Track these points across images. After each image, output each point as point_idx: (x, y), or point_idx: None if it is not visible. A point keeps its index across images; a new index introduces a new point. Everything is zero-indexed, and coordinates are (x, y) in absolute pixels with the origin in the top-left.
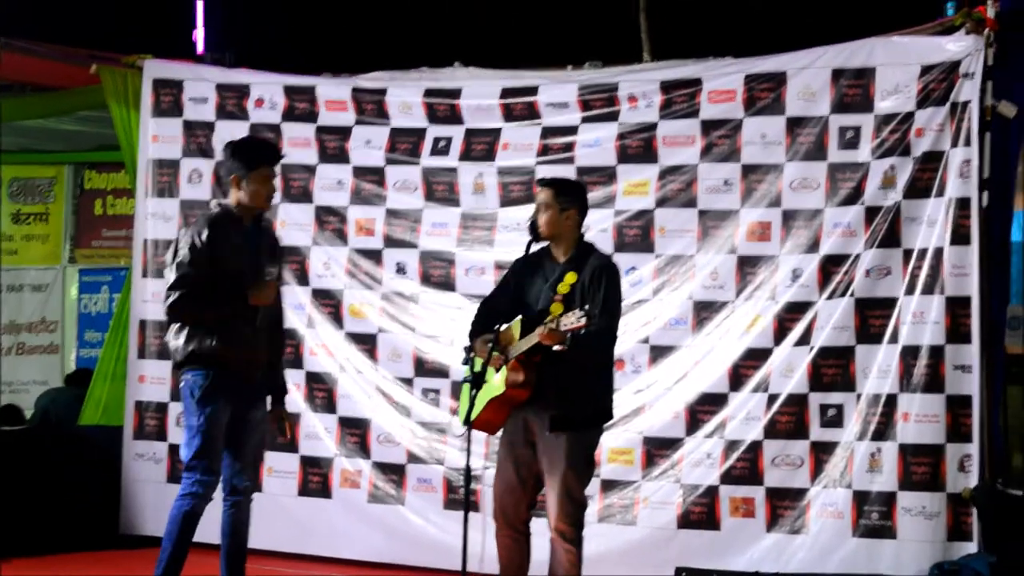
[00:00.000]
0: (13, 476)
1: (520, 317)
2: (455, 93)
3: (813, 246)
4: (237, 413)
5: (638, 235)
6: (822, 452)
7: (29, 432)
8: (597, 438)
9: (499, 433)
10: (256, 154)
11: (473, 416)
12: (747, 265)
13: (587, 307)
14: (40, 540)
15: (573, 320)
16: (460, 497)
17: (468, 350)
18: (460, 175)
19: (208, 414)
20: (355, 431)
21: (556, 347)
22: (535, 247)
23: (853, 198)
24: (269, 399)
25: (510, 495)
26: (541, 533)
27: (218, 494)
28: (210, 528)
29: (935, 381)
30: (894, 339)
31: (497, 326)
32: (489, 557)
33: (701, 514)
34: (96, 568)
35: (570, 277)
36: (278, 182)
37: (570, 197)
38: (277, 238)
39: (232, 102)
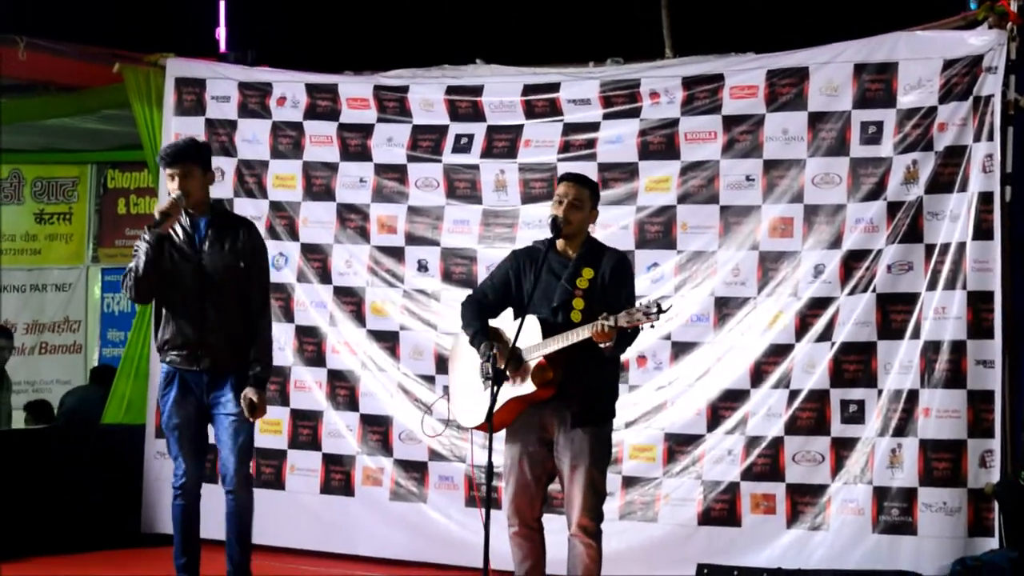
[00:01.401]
0: (36, 475)
1: (529, 315)
2: (477, 90)
3: (835, 242)
4: (207, 404)
5: (660, 231)
6: (843, 448)
7: (54, 431)
8: (612, 430)
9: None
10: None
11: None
12: (769, 261)
13: (657, 300)
14: (62, 538)
15: (640, 316)
16: (482, 494)
17: (489, 347)
18: (482, 172)
19: (164, 415)
20: (377, 429)
21: (604, 344)
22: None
23: (875, 193)
24: None
25: (523, 493)
26: (553, 531)
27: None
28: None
29: (957, 376)
30: (916, 334)
31: (519, 321)
32: (508, 554)
33: (722, 511)
34: (117, 567)
35: (588, 272)
36: (299, 180)
37: (597, 197)
38: (239, 228)
39: (254, 100)
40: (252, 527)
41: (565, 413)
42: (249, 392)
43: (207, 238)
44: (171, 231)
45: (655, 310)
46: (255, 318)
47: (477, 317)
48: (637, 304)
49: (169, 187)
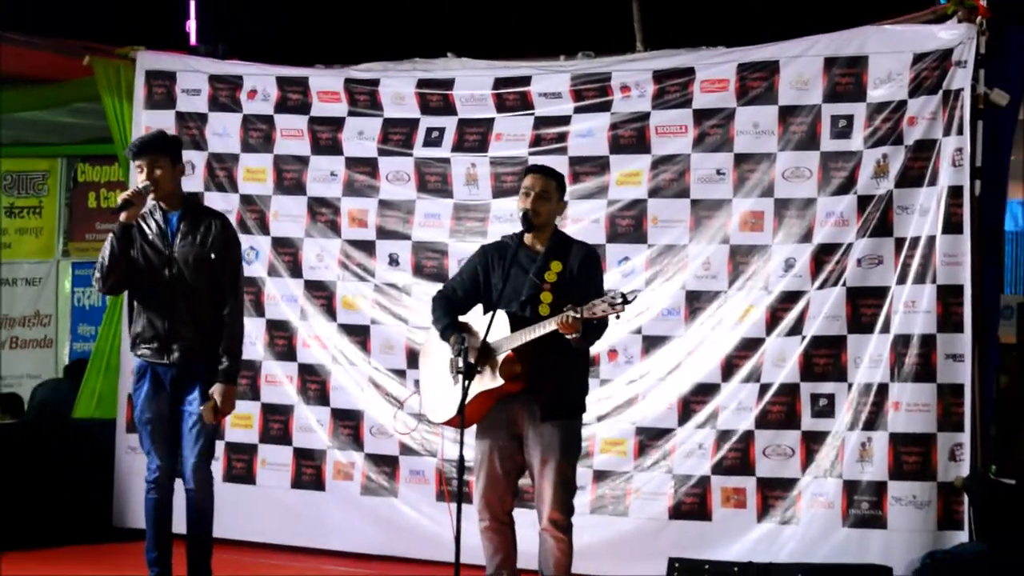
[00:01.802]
0: (8, 469)
1: (498, 310)
2: (448, 84)
3: (806, 236)
4: (176, 402)
5: (631, 225)
6: (813, 442)
7: (24, 425)
8: (581, 425)
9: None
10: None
11: (458, 410)
12: (740, 255)
13: (622, 291)
14: (34, 534)
15: (605, 307)
16: (453, 489)
17: (461, 341)
18: (453, 166)
19: (137, 409)
20: (348, 423)
21: (570, 336)
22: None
23: (845, 187)
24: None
25: (494, 488)
26: (525, 525)
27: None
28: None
29: (926, 370)
30: (886, 328)
31: (490, 316)
32: (479, 549)
33: (692, 504)
34: (89, 561)
35: (556, 266)
36: (270, 174)
37: (564, 188)
38: (211, 221)
39: (225, 93)
40: (212, 526)
41: (534, 407)
42: (215, 391)
43: (179, 231)
44: (142, 224)
45: (620, 300)
46: (229, 311)
47: (447, 312)
48: (609, 295)
49: (138, 180)
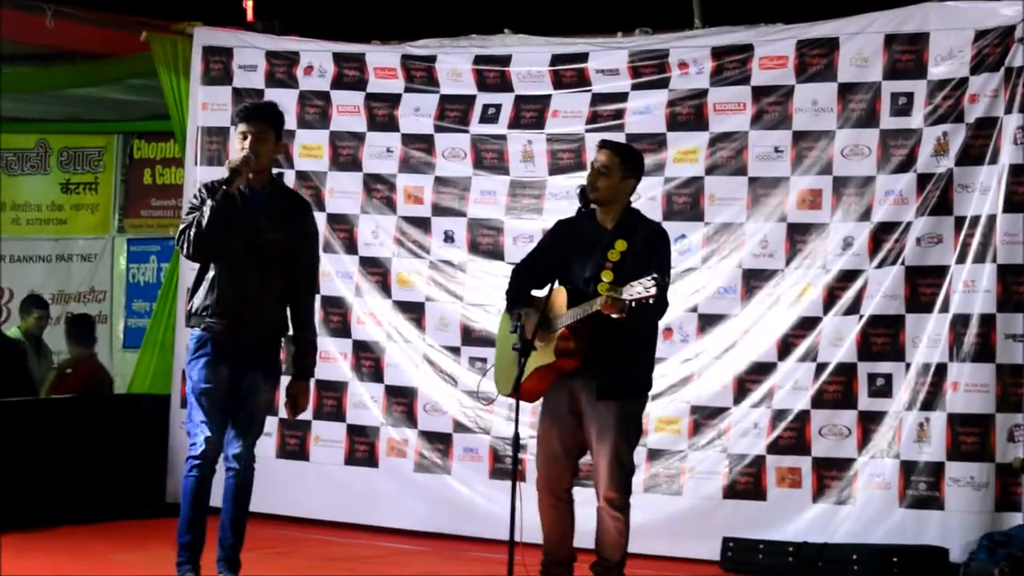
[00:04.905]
0: (62, 445)
1: (558, 285)
2: (505, 60)
3: (865, 214)
4: (233, 379)
5: (688, 203)
6: (870, 422)
7: (77, 400)
8: (644, 405)
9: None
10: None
11: (513, 387)
12: (797, 233)
13: (655, 276)
14: (88, 508)
15: (641, 290)
16: (506, 467)
17: (518, 317)
18: (509, 143)
19: (195, 378)
20: (402, 400)
21: (615, 316)
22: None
23: (905, 165)
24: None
25: (554, 464)
26: (584, 503)
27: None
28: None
29: (985, 350)
30: (945, 308)
31: (548, 292)
32: (532, 527)
33: (747, 484)
34: (142, 536)
35: (620, 245)
36: (326, 150)
37: (631, 166)
38: (300, 209)
39: (282, 70)
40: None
41: (592, 385)
42: (298, 388)
43: (266, 212)
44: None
45: (651, 283)
46: (305, 306)
47: (516, 288)
48: (644, 279)
49: (238, 146)
